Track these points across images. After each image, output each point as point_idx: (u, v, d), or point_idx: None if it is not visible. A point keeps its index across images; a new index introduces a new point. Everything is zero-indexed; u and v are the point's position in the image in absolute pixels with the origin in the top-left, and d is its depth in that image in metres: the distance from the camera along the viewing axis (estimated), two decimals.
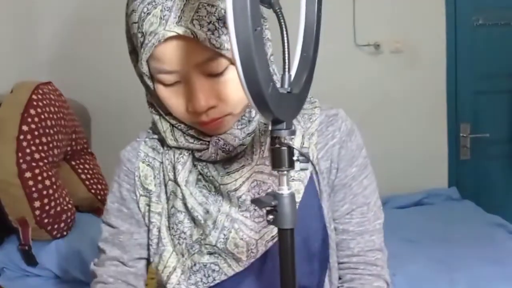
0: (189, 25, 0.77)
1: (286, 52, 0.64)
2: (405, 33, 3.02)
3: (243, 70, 0.54)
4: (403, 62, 3.04)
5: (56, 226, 2.04)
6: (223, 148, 0.90)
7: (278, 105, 0.60)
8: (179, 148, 0.95)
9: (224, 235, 0.92)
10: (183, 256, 0.95)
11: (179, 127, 0.92)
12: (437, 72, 3.10)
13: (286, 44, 0.64)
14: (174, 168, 0.95)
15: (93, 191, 2.36)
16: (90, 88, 2.82)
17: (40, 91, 2.14)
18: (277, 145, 0.66)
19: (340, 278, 1.02)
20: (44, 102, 2.11)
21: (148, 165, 1.00)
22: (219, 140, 0.90)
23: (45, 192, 1.99)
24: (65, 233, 2.09)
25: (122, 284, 1.03)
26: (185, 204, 0.94)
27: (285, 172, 0.66)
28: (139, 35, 0.81)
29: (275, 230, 0.91)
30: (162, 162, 0.98)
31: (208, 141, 0.91)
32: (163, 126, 0.95)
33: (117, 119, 2.84)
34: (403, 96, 3.07)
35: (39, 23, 2.70)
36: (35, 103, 2.06)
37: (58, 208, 2.03)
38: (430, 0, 3.03)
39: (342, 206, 0.99)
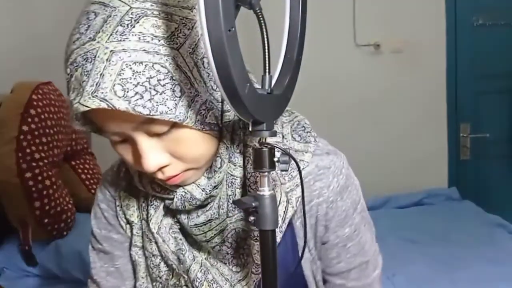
0: (107, 94, 0.65)
1: (267, 54, 0.64)
2: (405, 33, 3.01)
3: (218, 71, 0.54)
4: (403, 62, 3.03)
5: (56, 226, 2.05)
6: (189, 201, 0.81)
7: (256, 106, 0.60)
8: (149, 194, 0.88)
9: (196, 286, 0.87)
10: None
11: (144, 175, 0.84)
12: (437, 72, 3.10)
13: (266, 45, 0.64)
14: (147, 210, 0.89)
15: (93, 191, 2.36)
16: None
17: (40, 91, 2.14)
18: (258, 146, 0.66)
19: None
20: (44, 102, 2.12)
21: (130, 194, 0.92)
22: (185, 193, 0.81)
23: (45, 192, 2.00)
24: (65, 233, 2.09)
25: None
26: (159, 250, 0.89)
27: (266, 173, 0.66)
28: (68, 97, 0.72)
29: None
30: (138, 199, 0.92)
31: (174, 191, 0.82)
32: (132, 169, 0.87)
33: None
34: (403, 96, 3.07)
35: (39, 22, 2.71)
36: (35, 103, 2.07)
37: (58, 208, 2.04)
38: (430, 0, 3.03)
39: (337, 263, 0.91)
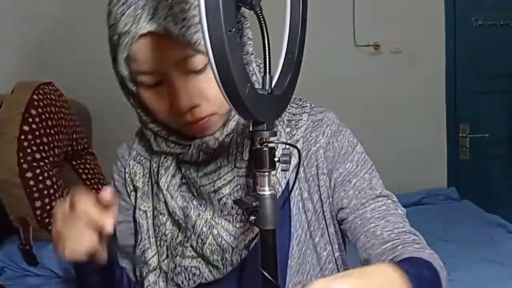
0: (162, 22, 0.76)
1: (267, 54, 0.65)
2: (404, 34, 3.02)
3: (218, 71, 0.55)
4: (403, 62, 3.04)
5: None
6: (204, 150, 0.88)
7: (257, 106, 0.60)
8: (163, 152, 0.95)
9: (201, 240, 0.91)
10: (163, 257, 0.96)
11: (161, 134, 0.92)
12: (437, 72, 3.11)
13: (267, 45, 0.65)
14: (158, 171, 0.96)
15: (93, 191, 2.36)
16: (90, 88, 2.82)
17: (41, 91, 2.15)
18: (259, 146, 0.66)
19: None
20: (45, 102, 2.12)
21: (139, 163, 1.00)
22: (201, 143, 0.88)
23: (46, 192, 2.00)
24: None
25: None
26: (167, 207, 0.94)
27: (266, 173, 0.66)
28: (115, 37, 0.81)
29: (248, 238, 0.90)
30: (149, 166, 0.99)
31: (189, 145, 0.89)
32: (147, 133, 0.94)
33: (117, 119, 2.84)
34: (402, 96, 3.07)
35: (40, 22, 2.71)
36: (36, 103, 2.07)
37: None
38: (429, 0, 3.04)
39: (349, 203, 0.92)
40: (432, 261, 0.79)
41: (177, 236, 0.95)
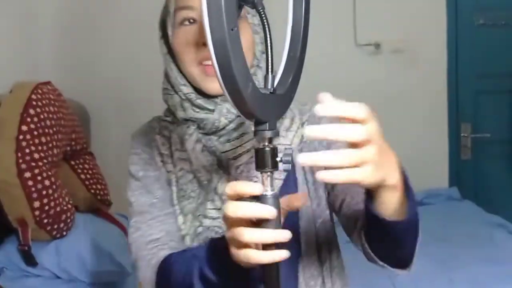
0: None
1: (269, 53, 0.64)
2: (405, 33, 3.01)
3: (220, 69, 0.54)
4: (404, 62, 3.03)
5: (55, 226, 2.04)
6: (225, 115, 0.96)
7: (259, 105, 0.60)
8: (187, 121, 1.01)
9: (224, 199, 0.96)
10: (188, 219, 1.00)
11: (189, 96, 0.99)
12: (438, 72, 3.10)
13: (269, 44, 0.64)
14: (181, 140, 1.02)
15: (92, 191, 2.36)
16: (89, 88, 2.82)
17: (39, 91, 2.14)
18: (261, 146, 0.66)
19: None
20: (44, 102, 2.12)
21: (163, 136, 1.07)
22: (222, 108, 0.96)
23: (44, 192, 1.99)
24: (64, 233, 2.09)
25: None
26: (191, 167, 1.01)
27: (269, 173, 0.66)
28: None
29: None
30: (170, 137, 1.05)
31: (213, 110, 0.97)
32: (174, 101, 1.02)
33: (116, 119, 2.85)
34: (403, 96, 3.06)
35: (39, 23, 2.71)
36: (34, 103, 2.07)
37: (58, 208, 2.03)
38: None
39: None
40: None
41: (200, 197, 1.01)
